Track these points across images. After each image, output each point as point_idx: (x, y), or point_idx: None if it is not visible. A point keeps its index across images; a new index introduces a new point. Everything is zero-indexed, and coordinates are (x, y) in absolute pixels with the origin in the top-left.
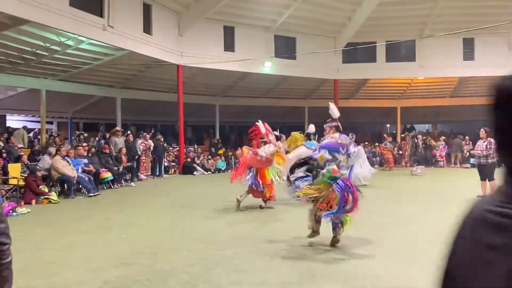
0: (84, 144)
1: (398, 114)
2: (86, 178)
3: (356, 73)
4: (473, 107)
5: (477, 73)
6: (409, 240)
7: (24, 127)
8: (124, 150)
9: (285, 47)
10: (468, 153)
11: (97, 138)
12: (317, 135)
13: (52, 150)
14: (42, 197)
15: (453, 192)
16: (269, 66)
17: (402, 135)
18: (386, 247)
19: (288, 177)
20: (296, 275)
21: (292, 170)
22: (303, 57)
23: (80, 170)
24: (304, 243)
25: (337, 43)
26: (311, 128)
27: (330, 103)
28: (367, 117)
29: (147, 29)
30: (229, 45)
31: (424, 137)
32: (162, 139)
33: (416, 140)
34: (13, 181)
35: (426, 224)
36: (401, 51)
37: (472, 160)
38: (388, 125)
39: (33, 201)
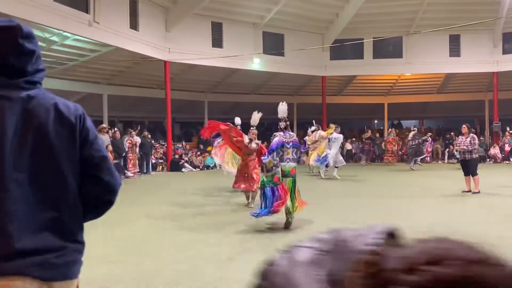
0: None
1: (386, 110)
2: None
3: (344, 70)
4: (459, 103)
5: (463, 69)
6: None
7: None
8: (110, 147)
9: (273, 44)
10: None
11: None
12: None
13: None
14: None
15: (442, 187)
16: (257, 63)
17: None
18: None
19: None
20: None
21: None
22: (291, 53)
23: None
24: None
25: (325, 39)
26: (237, 121)
27: (280, 103)
28: (354, 113)
29: (134, 25)
30: (217, 41)
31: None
32: (149, 136)
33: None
34: None
35: (413, 218)
36: (388, 48)
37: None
38: (376, 121)
39: None
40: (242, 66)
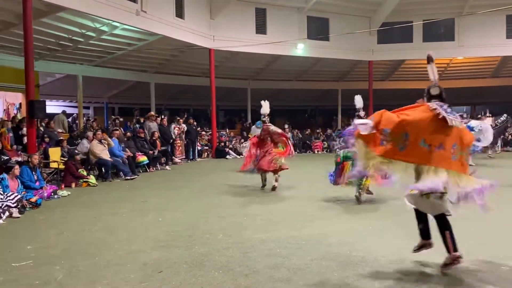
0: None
1: None
2: (121, 161)
3: (392, 54)
4: None
5: None
6: None
7: (64, 112)
8: (156, 134)
9: (318, 29)
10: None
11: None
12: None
13: (90, 134)
14: (81, 180)
15: None
16: (301, 48)
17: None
18: None
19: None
20: (333, 260)
21: None
22: (336, 38)
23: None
24: (340, 227)
25: (372, 23)
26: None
27: (356, 96)
28: (402, 99)
29: (179, 13)
30: (260, 28)
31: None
32: (195, 123)
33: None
34: (53, 165)
35: None
36: (439, 30)
37: None
38: None
39: (73, 184)
40: (285, 52)
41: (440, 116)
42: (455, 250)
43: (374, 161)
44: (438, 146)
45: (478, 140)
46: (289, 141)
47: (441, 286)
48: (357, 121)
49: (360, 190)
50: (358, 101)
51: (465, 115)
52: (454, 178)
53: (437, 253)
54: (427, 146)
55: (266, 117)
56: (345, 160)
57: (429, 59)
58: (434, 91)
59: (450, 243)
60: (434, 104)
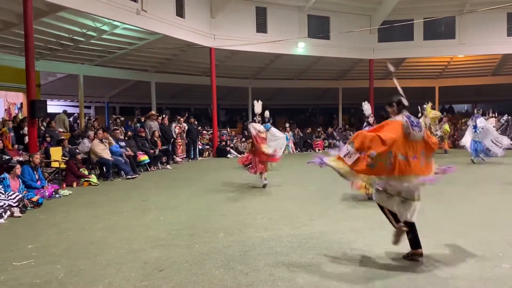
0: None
1: (437, 94)
2: (123, 161)
3: (393, 52)
4: None
5: None
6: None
7: (65, 112)
8: (157, 133)
9: (319, 27)
10: None
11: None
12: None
13: (91, 133)
14: (82, 180)
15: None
16: (302, 47)
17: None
18: None
19: None
20: (334, 258)
21: None
22: (337, 36)
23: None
24: (340, 228)
25: (373, 21)
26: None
27: (363, 103)
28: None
29: (180, 12)
30: (261, 27)
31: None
32: (196, 122)
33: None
34: (55, 164)
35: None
36: (440, 28)
37: None
38: (424, 106)
39: (74, 184)
40: (286, 51)
41: (408, 132)
42: (417, 247)
43: (364, 178)
44: (413, 156)
45: (479, 142)
46: (261, 144)
47: (440, 281)
48: (338, 152)
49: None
50: (367, 108)
51: (476, 111)
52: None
53: (439, 251)
54: (404, 158)
55: (258, 117)
56: None
57: (391, 74)
58: (405, 103)
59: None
60: (404, 120)
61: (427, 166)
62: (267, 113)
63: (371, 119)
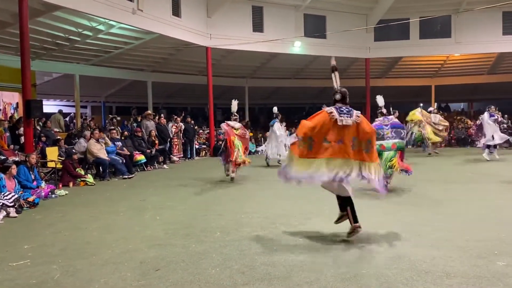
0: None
1: (433, 93)
2: (120, 161)
3: (389, 51)
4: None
5: None
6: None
7: (60, 111)
8: (153, 133)
9: (315, 26)
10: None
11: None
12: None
13: (87, 133)
14: (79, 180)
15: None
16: (298, 46)
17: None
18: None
19: None
20: (329, 257)
21: None
22: (333, 36)
23: (114, 153)
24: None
25: (369, 20)
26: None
27: (378, 96)
28: (399, 96)
29: (176, 11)
30: (257, 26)
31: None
32: (192, 121)
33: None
34: (51, 164)
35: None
36: (436, 27)
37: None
38: (421, 104)
39: (71, 183)
40: (283, 50)
41: (334, 119)
42: (356, 222)
43: (296, 162)
44: (338, 141)
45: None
46: (231, 142)
47: (435, 279)
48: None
49: (388, 179)
50: (380, 100)
51: (493, 108)
52: (352, 165)
53: (434, 249)
54: (328, 143)
55: (233, 115)
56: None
57: (333, 68)
58: (337, 97)
59: (351, 217)
60: (331, 108)
61: (361, 152)
62: (275, 109)
63: (384, 110)
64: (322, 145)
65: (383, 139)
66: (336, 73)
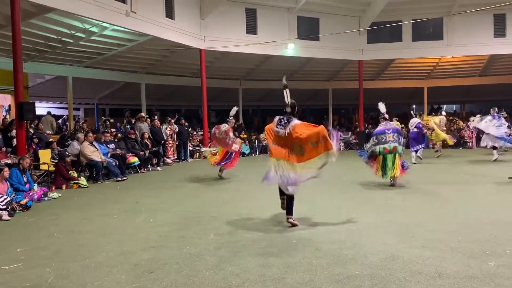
0: (113, 130)
1: (425, 95)
2: (114, 163)
3: (382, 53)
4: (504, 86)
5: (509, 50)
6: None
7: (49, 113)
8: (146, 135)
9: (308, 29)
10: None
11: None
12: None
13: (81, 136)
14: (72, 182)
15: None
16: (292, 48)
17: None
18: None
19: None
20: (323, 258)
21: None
22: (326, 38)
23: (108, 155)
24: (330, 223)
25: (362, 22)
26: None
27: (379, 103)
28: (392, 98)
29: (169, 13)
30: (251, 28)
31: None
32: (186, 123)
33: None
34: (44, 167)
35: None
36: (428, 30)
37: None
38: (414, 106)
39: (64, 186)
40: (276, 52)
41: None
42: (291, 214)
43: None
44: (282, 145)
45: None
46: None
47: (428, 281)
48: None
49: (392, 179)
50: (382, 107)
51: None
52: (284, 165)
53: (427, 250)
54: (275, 145)
55: (230, 118)
56: (378, 155)
57: (284, 86)
58: (287, 110)
59: (291, 210)
60: (276, 118)
61: (298, 156)
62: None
63: (386, 116)
64: (272, 148)
65: (386, 143)
66: (287, 89)
